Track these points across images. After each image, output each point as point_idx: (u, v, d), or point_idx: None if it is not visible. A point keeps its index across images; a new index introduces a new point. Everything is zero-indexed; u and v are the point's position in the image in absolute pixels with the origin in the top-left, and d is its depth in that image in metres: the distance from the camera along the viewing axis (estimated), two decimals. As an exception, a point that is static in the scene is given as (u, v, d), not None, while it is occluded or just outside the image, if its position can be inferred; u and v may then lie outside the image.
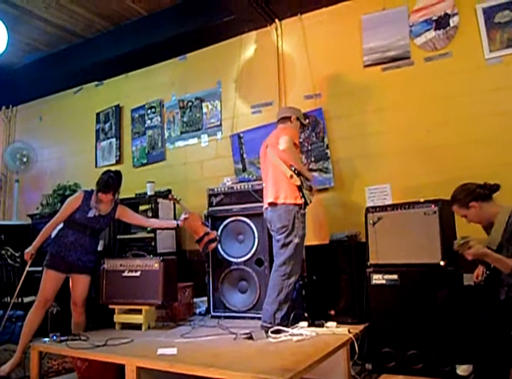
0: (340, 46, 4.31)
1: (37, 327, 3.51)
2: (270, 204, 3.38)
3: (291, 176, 3.27)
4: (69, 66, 5.72)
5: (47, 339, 3.22)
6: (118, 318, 3.65)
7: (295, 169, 3.27)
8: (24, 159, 6.22)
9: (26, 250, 3.56)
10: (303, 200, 3.29)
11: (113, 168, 5.56)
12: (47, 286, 3.52)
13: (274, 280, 3.30)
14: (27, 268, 3.71)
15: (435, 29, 3.87)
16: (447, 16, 3.83)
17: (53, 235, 3.67)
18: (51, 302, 3.64)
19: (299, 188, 3.28)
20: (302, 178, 3.30)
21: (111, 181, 3.58)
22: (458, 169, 3.59)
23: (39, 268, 3.67)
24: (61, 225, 3.67)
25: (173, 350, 2.72)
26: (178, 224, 3.81)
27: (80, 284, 3.60)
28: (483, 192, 2.72)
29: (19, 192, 6.43)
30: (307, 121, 4.15)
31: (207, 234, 3.79)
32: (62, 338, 3.17)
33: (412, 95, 3.94)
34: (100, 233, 3.78)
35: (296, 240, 3.27)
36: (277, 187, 3.35)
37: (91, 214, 3.58)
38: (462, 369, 2.75)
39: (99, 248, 4.45)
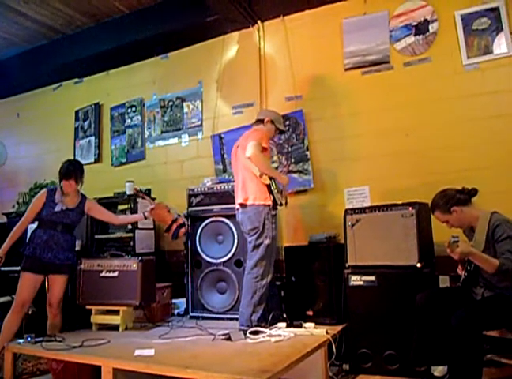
0: (321, 48, 4.34)
1: (16, 330, 3.44)
2: (240, 205, 3.39)
3: (261, 175, 3.28)
4: (49, 63, 5.61)
5: (21, 341, 3.16)
6: (95, 319, 3.61)
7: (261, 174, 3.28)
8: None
9: None
10: (272, 200, 3.30)
11: (92, 167, 5.57)
12: (23, 289, 3.45)
13: (247, 283, 3.31)
14: None
15: (415, 35, 3.93)
16: (427, 22, 3.89)
17: (27, 239, 3.62)
18: (29, 305, 3.57)
19: (269, 187, 3.29)
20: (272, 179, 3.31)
21: (71, 168, 3.60)
22: (436, 173, 3.66)
23: (16, 268, 3.60)
24: (34, 226, 3.63)
25: (150, 351, 2.70)
26: (145, 215, 3.81)
27: (56, 285, 3.55)
28: (463, 197, 2.77)
29: (-5, 189, 6.31)
30: (288, 123, 4.17)
31: (175, 220, 3.78)
32: (37, 339, 3.12)
33: (392, 99, 3.99)
34: (73, 228, 3.73)
35: (267, 241, 3.28)
36: (246, 188, 3.37)
37: (57, 208, 3.56)
38: (438, 371, 2.81)
39: (77, 248, 4.39)
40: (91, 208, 3.78)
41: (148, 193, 4.79)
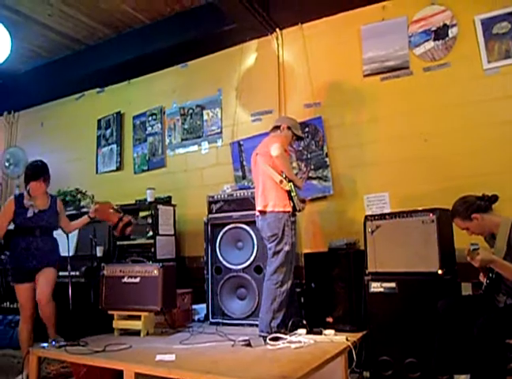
0: (339, 55, 4.36)
1: (31, 336, 3.49)
2: (260, 212, 3.42)
3: (281, 181, 3.30)
4: (72, 73, 5.76)
5: (45, 345, 3.23)
6: (117, 324, 3.66)
7: (285, 176, 3.30)
8: (13, 165, 6.28)
9: None
10: (292, 206, 3.31)
11: (114, 174, 5.67)
12: (22, 301, 3.47)
13: (267, 289, 3.32)
14: None
15: (434, 40, 3.91)
16: (446, 27, 3.87)
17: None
18: (34, 311, 3.52)
19: (289, 193, 3.30)
20: (292, 184, 3.32)
21: (39, 169, 3.53)
22: (456, 178, 3.62)
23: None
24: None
25: (171, 357, 2.73)
26: (89, 216, 3.75)
27: (43, 278, 3.47)
28: (484, 203, 2.74)
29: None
30: (307, 129, 4.19)
31: (121, 219, 3.78)
32: (61, 343, 3.18)
33: (411, 105, 3.97)
34: (52, 230, 3.66)
35: (286, 248, 3.30)
36: (266, 195, 3.39)
37: (30, 213, 3.47)
38: (461, 380, 2.77)
39: (99, 254, 4.48)
40: (60, 207, 3.72)
41: (168, 199, 4.86)
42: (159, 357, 2.73)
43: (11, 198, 3.59)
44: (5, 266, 3.83)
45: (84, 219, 3.80)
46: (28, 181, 3.52)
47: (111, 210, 3.80)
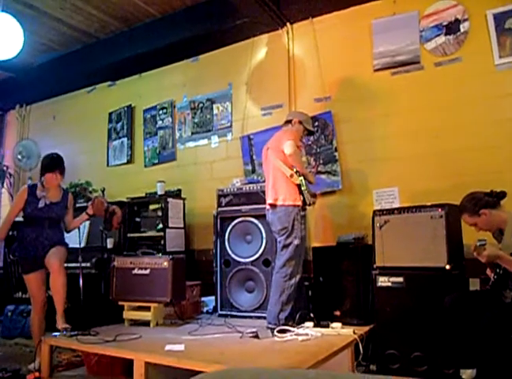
0: (350, 50, 4.35)
1: (43, 325, 3.55)
2: (270, 205, 3.44)
3: (292, 175, 3.31)
4: (83, 66, 5.80)
5: (57, 334, 3.29)
6: (127, 315, 3.72)
7: (297, 171, 3.31)
8: (25, 157, 6.35)
9: None
10: (302, 200, 3.33)
11: (124, 167, 5.72)
12: (33, 290, 3.51)
13: (276, 282, 3.35)
14: None
15: (446, 34, 3.89)
16: (458, 21, 3.85)
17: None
18: (45, 301, 3.56)
19: (299, 187, 3.32)
20: (303, 178, 3.34)
21: (55, 161, 3.56)
22: (466, 174, 3.61)
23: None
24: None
25: (181, 347, 2.78)
26: (88, 213, 3.72)
27: (52, 251, 3.48)
28: (492, 200, 2.74)
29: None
30: (317, 123, 4.20)
31: (106, 210, 3.73)
32: (73, 333, 3.24)
33: (421, 100, 3.96)
34: (59, 222, 3.68)
35: (296, 241, 3.32)
36: (277, 189, 3.41)
37: (41, 204, 3.50)
38: (467, 374, 2.78)
39: (109, 245, 4.54)
40: (70, 203, 3.73)
41: (178, 193, 4.90)
42: (168, 347, 2.78)
43: (24, 187, 3.62)
44: (16, 256, 3.90)
45: (83, 216, 3.76)
46: (43, 172, 3.56)
47: (104, 204, 3.75)
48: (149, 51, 5.20)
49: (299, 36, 4.67)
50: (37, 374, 3.18)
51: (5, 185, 6.68)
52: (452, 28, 3.87)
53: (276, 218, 3.40)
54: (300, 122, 3.62)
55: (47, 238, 3.53)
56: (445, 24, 3.90)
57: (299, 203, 3.35)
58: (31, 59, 5.92)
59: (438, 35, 3.92)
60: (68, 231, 3.78)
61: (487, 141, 3.63)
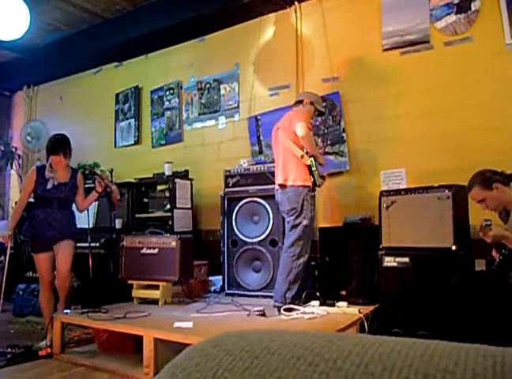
0: (358, 29, 4.30)
1: (52, 304, 3.60)
2: (280, 185, 3.45)
3: (302, 156, 3.32)
4: (90, 47, 5.78)
5: (68, 311, 3.36)
6: (136, 293, 3.78)
7: (307, 151, 3.32)
8: (35, 138, 6.37)
9: (2, 234, 3.64)
10: (312, 181, 3.34)
11: (132, 148, 5.74)
12: (42, 269, 3.55)
13: (284, 261, 3.38)
14: (8, 250, 3.85)
15: (456, 13, 3.83)
16: (469, 0, 3.78)
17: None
18: (53, 281, 3.61)
19: (309, 168, 3.33)
20: (313, 159, 3.34)
21: (59, 143, 3.56)
22: (474, 155, 3.59)
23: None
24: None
25: (189, 324, 2.83)
26: (97, 191, 3.69)
27: (63, 251, 3.54)
28: (502, 179, 2.73)
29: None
30: (324, 104, 4.18)
31: (108, 192, 3.71)
32: (83, 310, 3.31)
33: (431, 80, 3.92)
34: (70, 203, 3.69)
35: (305, 222, 3.34)
36: (287, 169, 3.42)
37: (49, 185, 3.51)
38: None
39: (118, 226, 4.59)
40: (80, 182, 3.72)
41: (186, 173, 4.92)
42: (177, 324, 2.83)
43: (33, 168, 3.65)
44: (26, 237, 3.99)
45: (93, 195, 3.74)
46: (48, 154, 3.58)
47: (102, 184, 3.71)
48: (156, 31, 5.16)
49: (307, 15, 4.62)
50: (49, 350, 3.25)
51: (14, 166, 6.74)
52: (463, 6, 3.80)
53: (285, 198, 3.42)
54: (311, 103, 3.61)
55: (56, 219, 3.54)
56: (456, 2, 3.83)
57: (309, 184, 3.36)
58: (37, 40, 5.90)
59: (449, 13, 3.86)
60: (80, 211, 3.80)
61: (495, 122, 3.60)
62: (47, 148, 3.60)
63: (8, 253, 3.93)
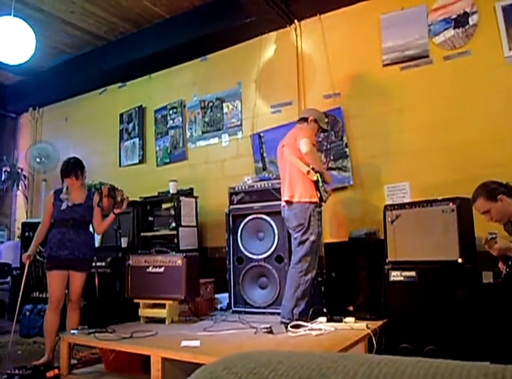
0: (358, 45, 4.36)
1: (57, 326, 3.60)
2: (286, 202, 3.46)
3: (308, 172, 3.33)
4: (94, 68, 5.88)
5: (75, 331, 3.36)
6: (143, 312, 3.77)
7: (313, 168, 3.34)
8: (44, 160, 6.41)
9: (24, 254, 3.74)
10: (318, 197, 3.35)
11: (136, 167, 5.78)
12: (53, 287, 3.59)
13: (291, 277, 3.38)
14: (26, 270, 3.89)
15: (454, 28, 3.88)
16: (466, 14, 3.84)
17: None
18: (63, 301, 3.66)
19: (316, 184, 3.34)
20: (319, 175, 3.36)
21: (70, 166, 3.69)
22: (477, 168, 3.60)
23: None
24: None
25: (196, 343, 2.82)
26: (114, 213, 3.77)
27: (75, 282, 3.64)
28: (507, 190, 2.74)
29: (46, 191, 6.63)
30: (326, 120, 4.22)
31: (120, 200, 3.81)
32: (90, 330, 3.30)
33: (431, 94, 3.96)
34: (87, 223, 3.74)
35: (312, 237, 3.34)
36: (293, 186, 3.43)
37: (64, 206, 3.62)
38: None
39: (124, 245, 4.61)
40: (95, 202, 3.76)
41: (190, 191, 4.95)
42: (184, 343, 2.82)
43: (51, 192, 3.80)
44: (35, 258, 4.02)
45: (111, 216, 3.79)
46: (62, 177, 3.72)
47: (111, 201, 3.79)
48: (159, 52, 5.26)
49: (307, 33, 4.69)
50: (56, 371, 3.24)
51: (20, 187, 6.79)
52: (461, 21, 3.86)
53: (292, 214, 3.43)
54: (316, 121, 3.64)
55: (71, 239, 3.60)
56: (453, 17, 3.89)
57: (316, 199, 3.37)
58: (42, 63, 6.01)
59: (447, 28, 3.91)
60: (98, 234, 3.87)
61: (497, 134, 3.62)
62: (61, 171, 3.74)
63: (25, 274, 3.97)
